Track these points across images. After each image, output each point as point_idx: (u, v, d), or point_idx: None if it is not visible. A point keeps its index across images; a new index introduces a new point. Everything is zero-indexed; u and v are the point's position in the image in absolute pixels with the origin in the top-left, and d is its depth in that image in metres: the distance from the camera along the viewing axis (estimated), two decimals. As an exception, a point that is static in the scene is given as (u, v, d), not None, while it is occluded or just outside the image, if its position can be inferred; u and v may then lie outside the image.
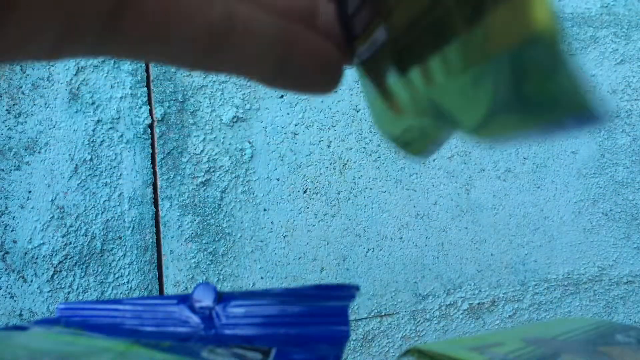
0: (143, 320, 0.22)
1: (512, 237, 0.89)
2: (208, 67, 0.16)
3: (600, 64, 0.96)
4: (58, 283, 0.71)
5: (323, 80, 0.17)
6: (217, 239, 0.77)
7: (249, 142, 0.80)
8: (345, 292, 0.22)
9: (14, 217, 0.70)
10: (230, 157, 0.79)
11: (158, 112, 0.76)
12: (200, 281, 0.76)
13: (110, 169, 0.74)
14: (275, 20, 0.16)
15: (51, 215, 0.71)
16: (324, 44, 0.17)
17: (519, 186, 0.90)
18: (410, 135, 0.17)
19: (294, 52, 0.16)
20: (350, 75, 0.84)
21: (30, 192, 0.71)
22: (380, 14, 0.15)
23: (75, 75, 0.74)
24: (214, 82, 0.79)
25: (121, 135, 0.75)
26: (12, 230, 0.70)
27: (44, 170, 0.72)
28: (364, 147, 0.84)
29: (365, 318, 0.82)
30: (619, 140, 0.96)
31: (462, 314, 0.86)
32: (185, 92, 0.78)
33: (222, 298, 0.22)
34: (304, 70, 0.17)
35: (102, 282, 0.72)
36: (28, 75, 0.72)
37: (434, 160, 0.87)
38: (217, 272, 0.77)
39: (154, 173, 0.76)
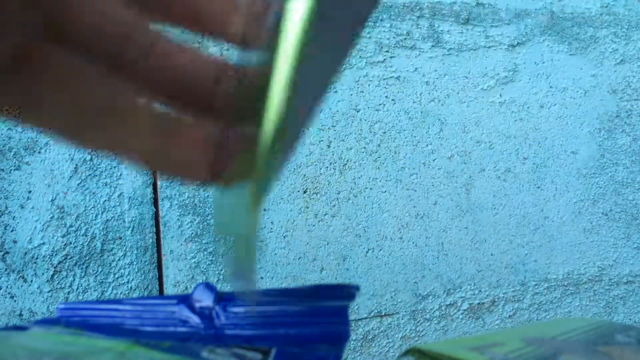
0: (143, 320, 0.22)
1: (512, 237, 0.89)
2: (89, 145, 0.15)
3: (600, 64, 0.96)
4: (58, 283, 0.71)
5: (206, 173, 0.16)
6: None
7: (249, 142, 0.80)
8: (345, 292, 0.22)
9: (14, 217, 0.70)
10: (230, 157, 0.78)
11: (158, 112, 0.76)
12: (200, 281, 0.76)
13: (110, 169, 0.74)
14: (161, 101, 0.15)
15: (51, 215, 0.71)
16: (206, 137, 0.16)
17: (519, 186, 0.90)
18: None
19: (173, 142, 0.15)
20: (350, 75, 0.84)
21: (30, 192, 0.71)
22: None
23: (75, 75, 0.74)
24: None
25: (121, 135, 0.75)
26: (12, 230, 0.70)
27: (44, 170, 0.72)
28: (364, 147, 0.84)
29: (365, 318, 0.82)
30: (619, 140, 0.96)
31: (462, 314, 0.86)
32: (185, 92, 0.77)
33: (222, 298, 0.22)
34: (182, 161, 0.16)
35: (102, 282, 0.72)
36: (28, 75, 0.72)
37: (434, 160, 0.87)
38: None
39: (154, 173, 0.76)
